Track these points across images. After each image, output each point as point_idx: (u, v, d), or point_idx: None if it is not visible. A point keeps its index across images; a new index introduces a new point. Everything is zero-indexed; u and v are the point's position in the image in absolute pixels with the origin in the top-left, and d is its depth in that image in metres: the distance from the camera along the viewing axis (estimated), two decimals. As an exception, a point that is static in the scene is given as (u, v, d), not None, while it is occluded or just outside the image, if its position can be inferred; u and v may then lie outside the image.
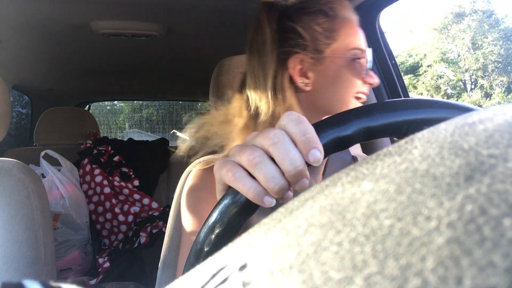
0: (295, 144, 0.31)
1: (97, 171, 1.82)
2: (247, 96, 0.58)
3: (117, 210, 1.77)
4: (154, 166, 2.00)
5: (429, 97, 0.62)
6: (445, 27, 19.32)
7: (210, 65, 0.94)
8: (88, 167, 1.84)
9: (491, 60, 17.89)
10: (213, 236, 0.32)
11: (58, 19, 1.21)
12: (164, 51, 1.62)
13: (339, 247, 0.12)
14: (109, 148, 1.97)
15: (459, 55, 19.48)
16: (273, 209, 0.22)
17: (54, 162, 1.73)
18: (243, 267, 0.14)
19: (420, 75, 20.04)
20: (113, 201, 1.78)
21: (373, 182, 0.14)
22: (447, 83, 19.81)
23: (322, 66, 0.57)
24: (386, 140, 1.03)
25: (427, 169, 0.13)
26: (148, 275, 1.41)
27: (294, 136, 0.31)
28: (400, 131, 0.33)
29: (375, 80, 0.59)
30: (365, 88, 0.59)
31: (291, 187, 0.32)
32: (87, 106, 2.79)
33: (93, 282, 1.43)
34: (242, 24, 1.31)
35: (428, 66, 19.78)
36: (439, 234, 0.10)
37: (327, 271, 0.11)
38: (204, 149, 0.59)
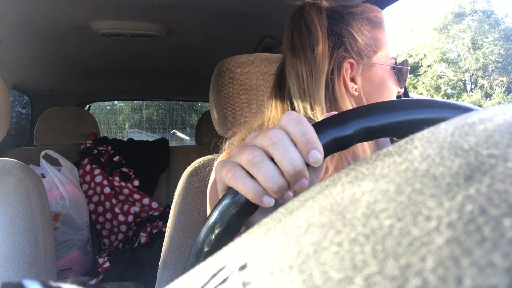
0: (295, 145, 0.31)
1: (97, 171, 1.82)
2: (289, 101, 0.56)
3: (117, 210, 1.77)
4: (154, 166, 2.01)
5: (429, 97, 0.63)
6: (445, 27, 19.32)
7: (210, 65, 0.95)
8: (88, 167, 1.84)
9: (491, 60, 17.89)
10: (213, 236, 0.32)
11: (58, 19, 1.21)
12: (164, 51, 1.62)
13: (339, 247, 0.12)
14: (109, 148, 1.97)
15: (459, 55, 19.48)
16: (273, 209, 0.22)
17: (54, 162, 1.73)
18: (243, 267, 0.14)
19: (420, 75, 20.03)
20: (113, 201, 1.78)
21: (373, 182, 0.14)
22: (447, 83, 19.81)
23: (369, 72, 0.58)
24: (386, 140, 1.02)
25: (427, 169, 0.13)
26: (148, 275, 1.41)
27: (294, 136, 0.31)
28: (400, 131, 0.33)
29: (402, 89, 0.63)
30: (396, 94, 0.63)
31: (290, 187, 0.32)
32: (87, 106, 2.79)
33: (93, 282, 1.43)
34: (242, 24, 1.31)
35: (428, 66, 19.78)
36: (439, 234, 0.10)
37: (327, 271, 0.11)
38: None
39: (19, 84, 1.99)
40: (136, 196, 1.86)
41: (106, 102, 5.17)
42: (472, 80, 19.53)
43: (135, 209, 1.80)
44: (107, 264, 1.52)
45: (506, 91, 18.24)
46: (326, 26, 0.55)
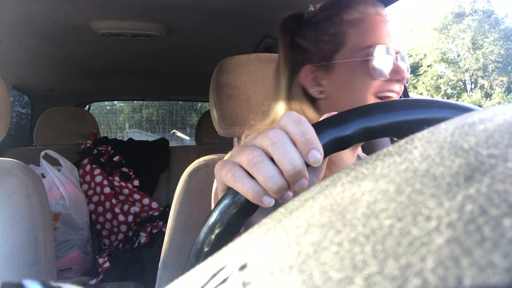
0: (295, 145, 0.31)
1: (97, 171, 1.82)
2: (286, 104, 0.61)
3: (117, 210, 1.77)
4: (154, 166, 2.01)
5: (429, 97, 0.62)
6: (445, 27, 19.31)
7: (210, 65, 0.95)
8: (88, 167, 1.84)
9: (491, 60, 17.89)
10: (213, 236, 0.32)
11: (58, 19, 1.21)
12: (164, 51, 1.62)
13: (339, 247, 0.12)
14: (109, 148, 1.97)
15: (459, 55, 19.48)
16: (273, 209, 0.22)
17: (54, 162, 1.72)
18: (243, 267, 0.14)
19: (420, 75, 20.03)
20: (113, 201, 1.78)
21: (373, 182, 0.14)
22: (447, 83, 19.81)
23: (332, 73, 0.57)
24: (386, 140, 1.02)
25: (427, 169, 0.13)
26: (148, 275, 1.41)
27: (294, 136, 0.31)
28: (400, 131, 0.33)
29: (403, 75, 0.55)
30: (393, 86, 0.56)
31: (290, 187, 0.32)
32: (87, 106, 2.79)
33: (93, 282, 1.43)
34: (242, 24, 1.31)
35: (428, 66, 19.78)
36: (439, 234, 0.10)
37: (327, 271, 0.11)
38: None
39: (19, 84, 1.99)
40: (136, 196, 1.86)
41: (106, 102, 5.18)
42: (472, 80, 19.53)
43: (135, 209, 1.80)
44: (107, 264, 1.52)
45: (506, 91, 18.24)
46: (288, 41, 0.61)
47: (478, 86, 18.99)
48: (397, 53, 0.56)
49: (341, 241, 0.12)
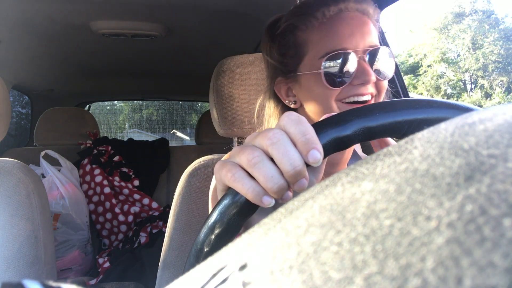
0: (295, 145, 0.31)
1: (97, 171, 1.82)
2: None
3: (117, 210, 1.77)
4: (154, 166, 2.01)
5: (429, 97, 0.61)
6: (445, 27, 19.32)
7: (210, 65, 0.95)
8: (88, 167, 1.84)
9: (491, 60, 17.89)
10: (213, 236, 0.32)
11: (58, 19, 1.21)
12: (164, 51, 1.62)
13: (339, 247, 0.12)
14: (109, 148, 1.97)
15: (459, 55, 19.48)
16: (273, 209, 0.22)
17: (54, 162, 1.72)
18: (243, 267, 0.14)
19: (420, 75, 20.04)
20: (113, 201, 1.78)
21: (373, 182, 0.14)
22: (447, 83, 19.81)
23: (299, 83, 0.58)
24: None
25: (427, 169, 0.13)
26: (148, 275, 1.41)
27: (294, 136, 0.31)
28: (400, 131, 0.33)
29: (367, 77, 0.51)
30: (359, 90, 0.52)
31: (290, 187, 0.32)
32: (87, 106, 2.79)
33: (93, 282, 1.43)
34: (242, 24, 1.31)
35: (428, 66, 19.78)
36: (439, 234, 0.10)
37: (327, 271, 0.11)
38: None
39: (19, 84, 1.99)
40: (136, 196, 1.86)
41: (106, 102, 5.17)
42: (472, 80, 19.53)
43: (135, 209, 1.80)
44: (107, 264, 1.52)
45: (506, 91, 18.24)
46: (265, 50, 0.64)
47: (478, 86, 18.99)
48: (365, 51, 0.52)
49: (341, 241, 0.12)
